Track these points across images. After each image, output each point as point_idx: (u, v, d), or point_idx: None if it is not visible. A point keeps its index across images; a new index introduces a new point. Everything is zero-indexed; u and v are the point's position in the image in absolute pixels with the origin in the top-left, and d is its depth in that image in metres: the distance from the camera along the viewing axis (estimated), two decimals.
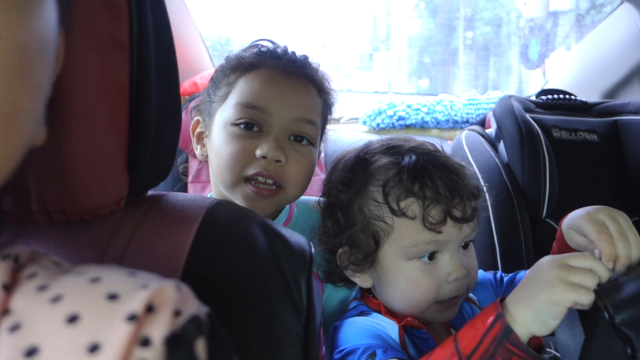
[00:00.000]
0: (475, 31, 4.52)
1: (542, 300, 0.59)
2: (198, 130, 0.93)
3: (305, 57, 0.91)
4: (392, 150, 0.79)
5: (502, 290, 0.88)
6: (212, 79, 0.92)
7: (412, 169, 0.74)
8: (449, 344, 0.64)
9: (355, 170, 0.79)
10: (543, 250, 1.25)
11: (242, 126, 0.83)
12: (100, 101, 0.46)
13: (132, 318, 0.30)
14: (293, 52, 0.91)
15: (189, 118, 0.98)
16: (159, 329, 0.30)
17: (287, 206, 0.95)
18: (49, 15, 0.30)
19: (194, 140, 0.94)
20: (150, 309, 0.31)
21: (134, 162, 0.50)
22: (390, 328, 0.77)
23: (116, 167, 0.49)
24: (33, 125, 0.31)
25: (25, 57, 0.28)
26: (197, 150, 0.93)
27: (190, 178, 1.54)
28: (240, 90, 0.85)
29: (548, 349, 0.84)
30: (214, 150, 0.86)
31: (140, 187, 0.54)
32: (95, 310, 0.30)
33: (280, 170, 0.83)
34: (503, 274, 0.90)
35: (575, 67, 1.82)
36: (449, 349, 0.64)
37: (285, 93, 0.85)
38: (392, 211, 0.73)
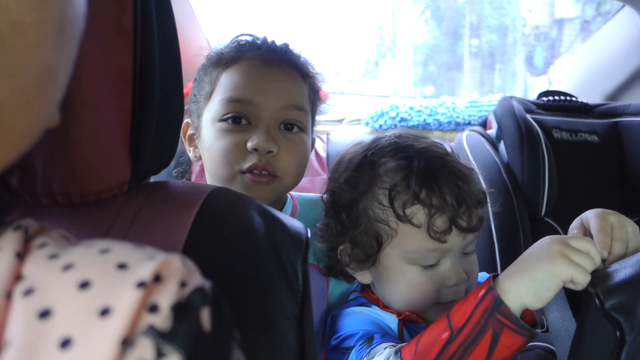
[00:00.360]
0: (480, 39, 4.53)
1: (541, 271, 0.60)
2: (189, 132, 0.93)
3: (286, 45, 0.90)
4: (402, 151, 0.76)
5: None
6: (195, 79, 0.92)
7: (421, 175, 0.72)
8: (442, 320, 0.65)
9: (362, 169, 0.78)
10: None
11: (230, 121, 0.83)
12: (105, 87, 0.47)
13: (141, 285, 0.31)
14: (273, 41, 0.90)
15: None
16: (166, 297, 0.31)
17: (290, 201, 0.95)
18: None
19: (185, 143, 0.94)
20: (157, 278, 0.32)
21: (137, 147, 0.52)
22: (390, 319, 0.78)
23: (119, 151, 0.51)
24: (59, 94, 0.32)
25: (64, 25, 0.29)
26: (191, 153, 0.93)
27: (193, 177, 1.57)
28: (223, 85, 0.85)
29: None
30: (206, 149, 0.86)
31: (142, 173, 0.56)
32: (105, 278, 0.31)
33: (273, 160, 0.82)
34: None
35: (578, 70, 1.83)
36: (441, 324, 0.65)
37: (269, 82, 0.84)
38: (397, 216, 0.72)
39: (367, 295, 0.84)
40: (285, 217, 0.56)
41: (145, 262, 0.33)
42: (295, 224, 0.56)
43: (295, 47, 0.91)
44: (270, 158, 0.82)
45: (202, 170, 1.54)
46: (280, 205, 0.93)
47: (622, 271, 0.55)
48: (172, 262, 0.33)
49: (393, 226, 0.74)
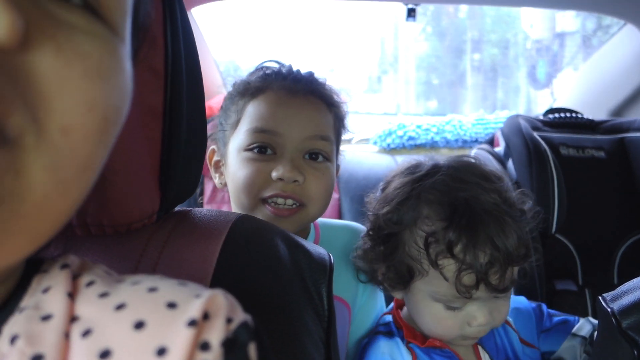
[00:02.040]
0: (482, 53, 4.58)
1: None
2: (215, 159, 0.94)
3: (311, 74, 0.91)
4: (449, 195, 0.74)
5: (545, 324, 0.88)
6: (222, 107, 0.93)
7: (459, 229, 0.70)
8: None
9: (406, 205, 0.77)
10: (553, 265, 1.28)
11: (255, 150, 0.83)
12: (137, 123, 0.50)
13: (192, 323, 0.32)
14: (298, 71, 0.90)
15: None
16: (216, 334, 0.32)
17: (313, 229, 0.95)
18: (127, 83, 0.33)
19: (211, 169, 0.94)
20: (205, 316, 0.33)
21: (165, 179, 0.54)
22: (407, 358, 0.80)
23: (150, 183, 0.53)
24: (96, 176, 0.34)
25: (108, 125, 0.31)
26: (216, 179, 0.93)
27: (205, 199, 1.59)
28: (249, 115, 0.85)
29: None
30: (231, 176, 0.86)
31: (170, 203, 0.58)
32: (158, 317, 0.32)
33: (299, 190, 0.82)
34: (548, 309, 0.90)
35: (582, 86, 1.86)
36: None
37: (295, 113, 0.84)
38: (430, 263, 0.72)
39: (395, 320, 0.86)
40: (308, 243, 0.58)
41: (193, 300, 0.34)
42: (319, 250, 0.58)
43: (320, 76, 0.91)
44: (295, 187, 0.82)
45: (214, 190, 1.57)
46: (305, 235, 0.93)
47: (637, 291, 0.57)
48: (217, 298, 0.34)
49: (425, 267, 0.74)
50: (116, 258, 0.54)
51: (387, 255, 0.78)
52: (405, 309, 0.87)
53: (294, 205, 0.83)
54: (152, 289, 0.34)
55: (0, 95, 0.25)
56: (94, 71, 0.29)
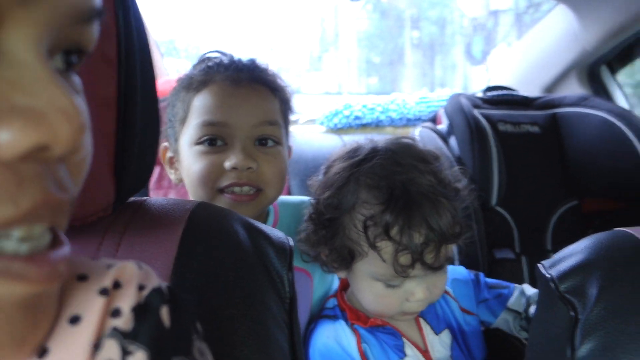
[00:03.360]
0: (421, 31, 4.66)
1: None
2: (168, 155, 0.93)
3: (253, 61, 0.91)
4: (387, 176, 0.76)
5: (483, 295, 0.93)
6: (168, 103, 0.93)
7: (396, 212, 0.73)
8: None
9: (345, 191, 0.79)
10: (493, 235, 1.35)
11: (206, 143, 0.84)
12: (91, 115, 0.48)
13: (104, 292, 0.34)
14: (240, 60, 0.91)
15: None
16: (127, 301, 0.34)
17: (272, 210, 0.97)
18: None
19: (166, 166, 0.94)
20: (117, 285, 0.35)
21: (120, 170, 0.53)
22: (350, 341, 0.83)
23: (105, 176, 0.52)
24: None
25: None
26: (172, 175, 0.93)
27: (151, 185, 1.55)
28: (196, 110, 0.86)
29: None
30: (185, 171, 0.87)
31: (125, 194, 0.57)
32: (70, 289, 0.34)
33: (255, 176, 0.84)
34: (485, 278, 0.95)
35: (516, 64, 1.94)
36: None
37: (240, 102, 0.85)
38: (369, 244, 0.75)
39: (339, 302, 0.90)
40: (267, 228, 0.59)
41: (104, 271, 0.36)
42: (278, 234, 0.59)
43: (262, 61, 0.92)
44: (250, 174, 0.84)
45: (160, 174, 1.54)
46: (264, 217, 0.95)
47: (572, 257, 0.61)
48: (128, 268, 0.37)
49: (365, 249, 0.77)
50: (73, 254, 0.53)
51: (329, 239, 0.80)
52: (349, 290, 0.90)
53: (252, 192, 0.85)
54: None
55: None
56: None
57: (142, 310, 0.35)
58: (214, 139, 0.84)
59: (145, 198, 0.62)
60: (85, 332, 0.32)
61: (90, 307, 0.33)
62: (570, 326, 0.57)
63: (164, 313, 0.35)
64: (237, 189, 0.84)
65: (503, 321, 0.91)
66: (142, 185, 0.60)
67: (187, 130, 0.87)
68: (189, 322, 0.38)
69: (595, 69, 1.75)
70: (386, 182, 0.76)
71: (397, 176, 0.76)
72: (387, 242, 0.74)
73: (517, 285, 0.93)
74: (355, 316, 0.86)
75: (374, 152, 0.80)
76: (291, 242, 0.59)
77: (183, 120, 0.88)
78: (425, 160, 0.79)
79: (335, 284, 0.98)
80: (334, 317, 0.87)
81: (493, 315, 0.92)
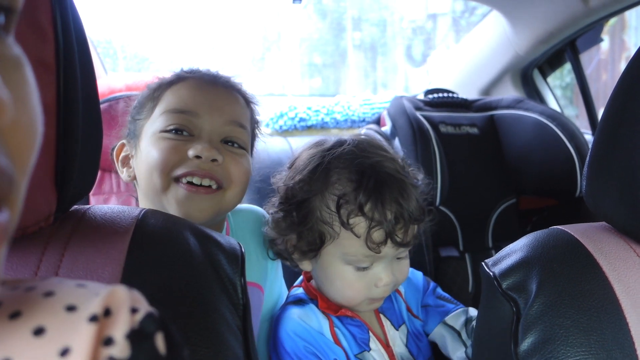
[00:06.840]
0: (363, 32, 4.73)
1: None
2: (123, 154, 0.89)
3: (229, 77, 0.90)
4: (358, 163, 0.80)
5: (427, 300, 0.95)
6: (135, 105, 0.89)
7: (368, 190, 0.77)
8: None
9: (317, 173, 0.82)
10: (438, 234, 1.39)
11: (172, 132, 0.80)
12: None
13: (93, 319, 0.32)
14: (217, 71, 0.90)
15: None
16: (120, 328, 0.33)
17: (225, 222, 0.93)
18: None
19: (118, 165, 0.89)
20: (107, 312, 0.33)
21: (62, 178, 0.51)
22: (323, 324, 0.85)
23: (45, 184, 0.50)
24: None
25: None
26: (123, 174, 0.88)
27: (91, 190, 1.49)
28: (167, 100, 0.83)
29: None
30: (143, 159, 0.81)
31: (67, 202, 0.55)
32: (58, 321, 0.32)
33: (219, 170, 0.80)
34: (440, 290, 0.98)
35: (455, 67, 2.01)
36: None
37: (215, 98, 0.83)
38: (342, 223, 0.78)
39: (308, 290, 0.90)
40: (219, 235, 0.58)
41: (92, 299, 0.34)
42: (230, 241, 0.58)
43: (236, 80, 0.92)
44: (214, 166, 0.79)
45: (101, 180, 1.47)
46: (220, 230, 0.91)
47: (513, 255, 0.64)
48: (118, 292, 0.35)
49: (336, 230, 0.80)
50: (13, 266, 0.50)
51: (300, 223, 0.82)
52: (313, 283, 0.91)
53: (213, 186, 0.80)
54: (48, 294, 0.34)
55: None
56: None
57: (137, 337, 0.33)
58: (180, 130, 0.81)
59: (89, 206, 0.60)
60: None
61: (79, 336, 0.31)
62: (513, 322, 0.59)
63: (159, 340, 0.34)
64: (195, 179, 0.78)
65: (439, 335, 0.92)
66: (85, 192, 0.58)
67: (154, 120, 0.82)
68: (180, 349, 0.37)
69: (528, 72, 1.84)
70: (356, 164, 0.80)
71: (365, 160, 0.81)
72: (360, 218, 0.77)
73: (465, 307, 0.95)
74: (326, 304, 0.87)
75: (341, 141, 0.86)
76: (243, 249, 0.59)
77: (150, 113, 0.84)
78: (387, 151, 0.86)
79: (283, 296, 0.98)
80: (302, 302, 0.88)
81: (431, 323, 0.94)
